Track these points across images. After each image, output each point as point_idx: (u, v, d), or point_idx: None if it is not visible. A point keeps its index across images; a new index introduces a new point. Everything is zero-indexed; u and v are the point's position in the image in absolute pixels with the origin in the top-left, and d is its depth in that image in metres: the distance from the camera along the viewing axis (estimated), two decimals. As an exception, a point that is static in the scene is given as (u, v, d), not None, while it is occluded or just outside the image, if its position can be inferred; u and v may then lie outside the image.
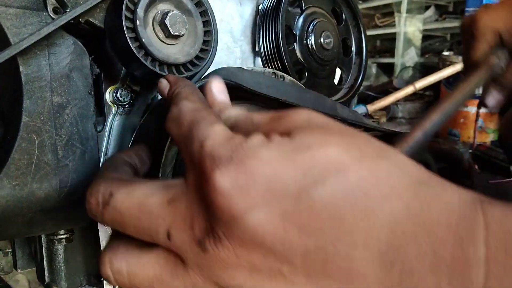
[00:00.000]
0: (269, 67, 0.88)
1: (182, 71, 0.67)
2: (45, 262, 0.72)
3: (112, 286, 0.74)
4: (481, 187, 2.41)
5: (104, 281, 0.74)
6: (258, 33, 0.86)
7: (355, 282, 0.33)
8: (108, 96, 0.72)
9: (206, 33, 0.69)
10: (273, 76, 0.73)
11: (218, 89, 0.49)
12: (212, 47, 0.69)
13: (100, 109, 0.72)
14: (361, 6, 5.56)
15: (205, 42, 0.69)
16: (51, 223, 0.60)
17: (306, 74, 0.94)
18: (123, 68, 0.71)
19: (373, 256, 0.32)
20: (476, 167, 2.73)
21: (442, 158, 2.67)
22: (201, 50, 0.68)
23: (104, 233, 0.73)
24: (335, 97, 1.00)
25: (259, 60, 0.90)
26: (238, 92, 0.71)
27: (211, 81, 0.49)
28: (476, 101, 3.18)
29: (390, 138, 1.05)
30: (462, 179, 2.53)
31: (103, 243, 0.73)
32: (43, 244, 0.71)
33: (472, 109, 3.30)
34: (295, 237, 0.33)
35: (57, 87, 0.56)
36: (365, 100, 3.91)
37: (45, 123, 0.55)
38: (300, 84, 0.78)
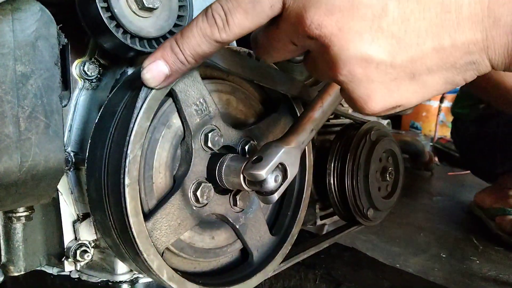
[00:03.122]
0: (243, 49, 0.86)
1: (154, 45, 0.64)
2: (1, 241, 0.68)
3: (74, 266, 0.72)
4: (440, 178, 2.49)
5: (65, 262, 0.71)
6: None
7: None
8: (74, 70, 0.69)
9: (181, 8, 0.67)
10: (249, 56, 0.71)
11: None
12: (186, 22, 0.67)
13: (66, 83, 0.69)
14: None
15: (179, 17, 0.67)
16: (10, 199, 0.57)
17: (280, 57, 0.93)
18: (92, 40, 0.68)
19: None
20: (436, 159, 2.83)
21: (404, 149, 2.74)
22: (175, 25, 0.66)
23: (66, 212, 0.70)
24: (308, 81, 1.00)
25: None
26: (212, 71, 0.70)
27: None
28: (439, 96, 3.27)
29: (359, 125, 1.07)
30: (422, 169, 2.62)
31: (65, 222, 0.71)
32: (0, 222, 0.68)
33: (434, 103, 3.40)
34: None
35: (21, 55, 0.53)
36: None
37: (6, 93, 0.52)
38: (275, 66, 0.77)
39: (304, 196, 0.83)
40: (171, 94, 0.61)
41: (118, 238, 0.59)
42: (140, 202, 0.57)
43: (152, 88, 0.55)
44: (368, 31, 0.42)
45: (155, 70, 0.52)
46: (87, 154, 0.61)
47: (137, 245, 0.55)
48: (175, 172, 0.65)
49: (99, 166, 0.58)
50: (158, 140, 0.62)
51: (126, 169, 0.54)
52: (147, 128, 0.57)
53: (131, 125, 0.54)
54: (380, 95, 0.45)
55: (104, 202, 0.57)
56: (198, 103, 0.64)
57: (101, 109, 0.62)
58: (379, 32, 0.42)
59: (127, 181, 0.54)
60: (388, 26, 0.41)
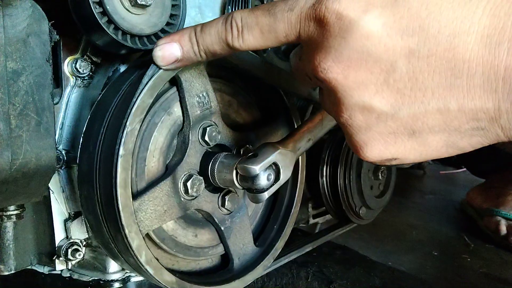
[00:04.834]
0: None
1: (146, 43, 0.64)
2: (-8, 240, 0.68)
3: (65, 265, 0.71)
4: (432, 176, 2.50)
5: (56, 260, 0.70)
6: (227, 10, 0.83)
7: (458, 66, 0.38)
8: (66, 67, 0.68)
9: (174, 6, 0.66)
10: (255, 53, 0.72)
11: None
12: (179, 21, 0.67)
13: (57, 80, 0.68)
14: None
15: (172, 15, 0.66)
16: (1, 197, 0.56)
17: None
18: (84, 37, 0.67)
19: (477, 40, 0.37)
20: (428, 158, 2.83)
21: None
22: (168, 23, 0.66)
23: (57, 210, 0.70)
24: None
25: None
26: (219, 70, 0.70)
27: None
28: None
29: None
30: (415, 168, 2.62)
31: (56, 220, 0.70)
32: (-9, 220, 0.67)
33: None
34: (398, 40, 0.39)
35: (12, 52, 0.52)
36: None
37: (-3, 90, 0.51)
38: (279, 66, 0.78)
39: (292, 211, 0.83)
40: (176, 83, 0.62)
41: (101, 215, 0.58)
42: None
43: (160, 68, 0.55)
44: (374, 83, 0.42)
45: (168, 50, 0.53)
46: (84, 129, 0.61)
47: (120, 219, 0.54)
48: (169, 161, 0.65)
49: (94, 139, 0.58)
50: (157, 124, 0.62)
51: (123, 140, 0.54)
52: (149, 106, 0.57)
53: (134, 99, 0.55)
54: (376, 145, 0.46)
55: (93, 173, 0.57)
56: (201, 95, 0.64)
57: (92, 109, 0.62)
58: (384, 86, 0.42)
59: (121, 151, 0.54)
60: (395, 81, 0.41)
